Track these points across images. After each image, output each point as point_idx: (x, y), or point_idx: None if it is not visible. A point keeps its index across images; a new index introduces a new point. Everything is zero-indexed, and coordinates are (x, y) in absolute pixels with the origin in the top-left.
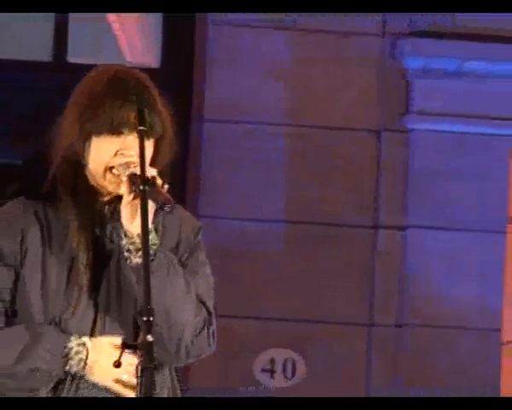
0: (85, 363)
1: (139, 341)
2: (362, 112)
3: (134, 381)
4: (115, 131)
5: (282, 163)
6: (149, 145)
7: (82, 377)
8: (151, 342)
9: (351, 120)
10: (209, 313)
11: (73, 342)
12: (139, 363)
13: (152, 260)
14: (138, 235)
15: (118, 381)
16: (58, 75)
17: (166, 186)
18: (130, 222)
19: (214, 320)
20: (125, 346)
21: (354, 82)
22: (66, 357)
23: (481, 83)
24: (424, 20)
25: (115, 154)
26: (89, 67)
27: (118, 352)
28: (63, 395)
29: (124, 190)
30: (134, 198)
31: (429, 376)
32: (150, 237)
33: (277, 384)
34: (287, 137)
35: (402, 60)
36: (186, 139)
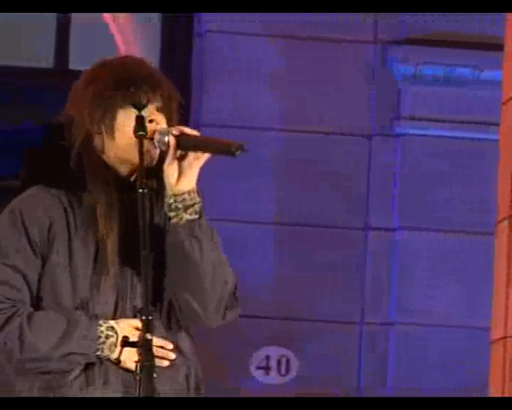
0: (115, 346)
1: (138, 338)
2: (353, 118)
3: (161, 362)
4: (140, 105)
5: (276, 168)
6: (164, 119)
7: (109, 359)
8: (150, 340)
9: (342, 126)
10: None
11: (103, 326)
12: (138, 360)
13: (200, 217)
14: (188, 192)
15: (138, 361)
16: (60, 82)
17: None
18: (177, 180)
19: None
20: (124, 344)
21: (346, 88)
22: (99, 341)
23: (469, 89)
24: (414, 28)
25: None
26: None
27: (137, 333)
28: (93, 379)
29: (170, 151)
30: (180, 156)
31: (419, 374)
32: (196, 195)
33: (272, 381)
34: (281, 143)
35: (392, 67)
36: None
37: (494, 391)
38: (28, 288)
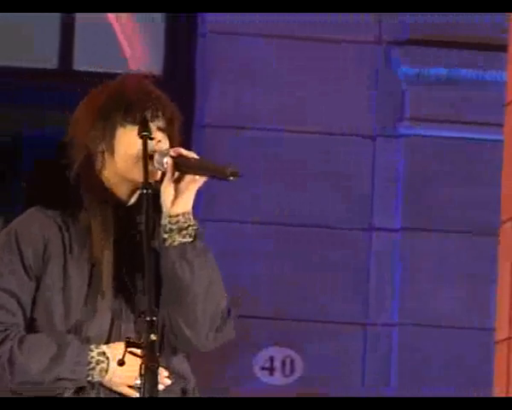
0: (106, 372)
1: (142, 340)
2: (357, 118)
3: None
4: (139, 120)
5: (280, 168)
6: (167, 140)
7: (101, 383)
8: (154, 341)
9: (346, 127)
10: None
11: (94, 352)
12: (142, 362)
13: (194, 240)
14: (182, 214)
15: (131, 386)
16: (64, 83)
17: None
18: (173, 202)
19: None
20: (128, 344)
21: (349, 89)
22: (89, 366)
23: (473, 90)
24: (418, 28)
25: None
26: (94, 75)
27: (132, 358)
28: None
29: (168, 172)
30: (177, 178)
31: (422, 375)
32: (191, 218)
33: (276, 382)
34: (284, 144)
35: (396, 67)
36: (187, 147)
37: (499, 391)
38: (22, 311)
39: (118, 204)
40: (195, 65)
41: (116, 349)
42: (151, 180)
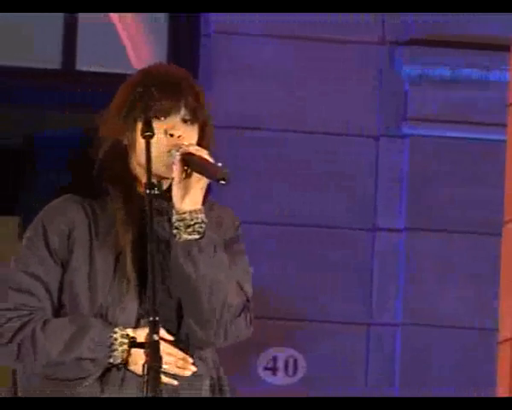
0: (129, 354)
1: (145, 339)
2: (360, 118)
3: (176, 370)
4: (161, 115)
5: (283, 168)
6: (194, 131)
7: (126, 367)
8: (157, 342)
9: (350, 127)
10: (247, 300)
11: (118, 333)
12: (145, 362)
13: (201, 237)
14: (189, 212)
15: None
16: (67, 82)
17: (219, 164)
18: (181, 199)
19: (252, 307)
20: (132, 345)
21: (353, 89)
22: (111, 348)
23: (476, 90)
24: (421, 28)
25: (164, 133)
26: (97, 75)
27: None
28: (109, 384)
29: (175, 169)
30: (186, 177)
31: (426, 375)
32: (200, 215)
33: (279, 382)
34: (288, 143)
35: (399, 68)
36: None
37: (502, 391)
38: (48, 296)
39: (142, 193)
40: (198, 65)
41: (141, 335)
42: (169, 176)
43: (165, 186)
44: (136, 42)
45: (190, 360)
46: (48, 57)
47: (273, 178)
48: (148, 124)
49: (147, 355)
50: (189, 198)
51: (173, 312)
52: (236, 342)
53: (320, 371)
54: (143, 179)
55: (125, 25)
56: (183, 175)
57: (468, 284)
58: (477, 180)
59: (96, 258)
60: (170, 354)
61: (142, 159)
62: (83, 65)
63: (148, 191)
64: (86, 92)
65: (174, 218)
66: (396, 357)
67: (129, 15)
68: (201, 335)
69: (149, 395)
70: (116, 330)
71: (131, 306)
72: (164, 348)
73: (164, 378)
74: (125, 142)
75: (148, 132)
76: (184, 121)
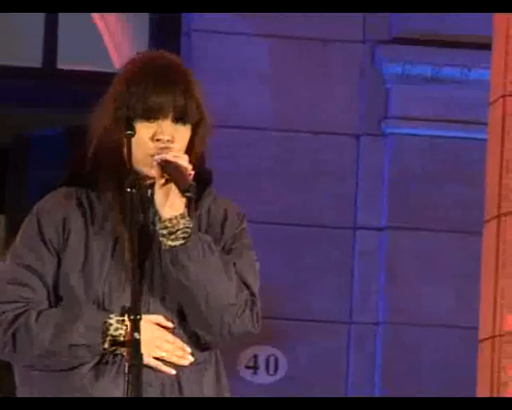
0: (124, 339)
1: (126, 338)
2: (342, 117)
3: (174, 358)
4: (150, 116)
5: (265, 167)
6: (186, 130)
7: (122, 353)
8: (138, 340)
9: (331, 125)
10: (252, 295)
11: (113, 319)
12: (126, 360)
13: (185, 243)
14: (170, 219)
15: (156, 358)
16: (48, 81)
17: (191, 173)
18: (163, 207)
19: (259, 302)
20: (114, 343)
21: (335, 88)
22: (105, 333)
23: (457, 88)
24: (402, 27)
25: (151, 138)
26: (78, 74)
27: (157, 329)
28: (106, 372)
29: (156, 175)
30: (165, 183)
31: (407, 374)
32: (182, 221)
33: (260, 380)
34: (270, 143)
35: (381, 66)
36: None
37: (482, 391)
38: (45, 288)
39: (138, 182)
40: None
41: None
42: (150, 175)
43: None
44: (117, 40)
45: (188, 350)
46: (29, 56)
47: (254, 177)
48: (129, 123)
49: (128, 354)
50: (170, 205)
51: (173, 305)
52: (244, 337)
53: (301, 370)
54: (139, 170)
55: (106, 23)
56: (163, 181)
57: (449, 283)
58: (458, 179)
59: (91, 247)
60: (168, 342)
61: (137, 162)
62: (64, 63)
63: (128, 190)
64: (67, 91)
65: (157, 225)
66: (377, 356)
67: (110, 14)
68: (206, 337)
69: (131, 393)
70: (112, 316)
71: (128, 294)
72: (163, 335)
73: (162, 367)
74: (114, 139)
75: (129, 132)
76: (174, 122)
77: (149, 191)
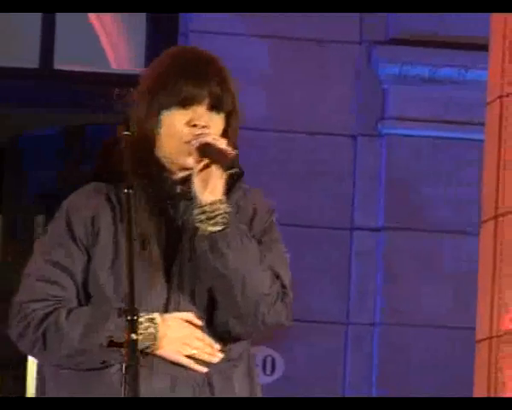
0: (155, 337)
1: (124, 339)
2: (338, 118)
3: (204, 356)
4: (185, 103)
5: (262, 168)
6: (220, 119)
7: (153, 352)
8: (135, 341)
9: (328, 126)
10: (284, 286)
11: (142, 318)
12: (123, 361)
13: (225, 228)
14: (210, 204)
15: (187, 356)
16: (45, 81)
17: (232, 152)
18: (202, 191)
19: (290, 294)
20: (110, 344)
21: (332, 88)
22: (136, 332)
23: (454, 89)
24: (399, 28)
25: (187, 124)
26: (75, 74)
27: (186, 327)
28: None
29: (194, 159)
30: (204, 168)
31: (405, 374)
32: (222, 206)
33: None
34: (267, 143)
35: (377, 67)
36: None
37: (479, 391)
38: (75, 286)
39: (167, 181)
40: None
41: (168, 319)
42: (183, 163)
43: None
44: (113, 41)
45: (218, 347)
46: (26, 56)
47: (251, 177)
48: (126, 123)
49: (125, 355)
50: (209, 189)
51: (204, 298)
52: (276, 328)
53: (298, 371)
54: (169, 166)
55: (103, 24)
56: (202, 166)
57: (446, 283)
58: (455, 180)
59: (120, 244)
60: (198, 339)
61: (167, 149)
62: (61, 64)
63: (125, 190)
64: (64, 91)
65: (195, 211)
66: (374, 357)
67: (107, 14)
68: (239, 328)
69: (129, 394)
70: (141, 314)
71: (159, 291)
72: (193, 333)
73: (193, 365)
74: (149, 131)
75: (126, 132)
76: (209, 110)
77: (178, 187)
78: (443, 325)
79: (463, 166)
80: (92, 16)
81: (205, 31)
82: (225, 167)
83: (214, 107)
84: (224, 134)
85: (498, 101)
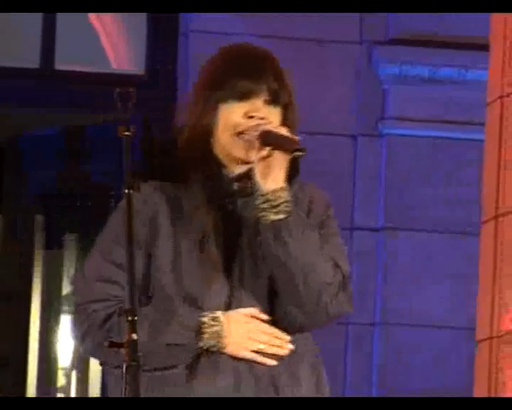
0: (220, 336)
1: (125, 339)
2: (338, 118)
3: (272, 349)
4: (242, 96)
5: None
6: (277, 113)
7: (219, 350)
8: (135, 341)
9: (328, 126)
10: (344, 276)
11: (207, 317)
12: (124, 361)
13: (288, 216)
14: (273, 191)
15: (255, 351)
16: (46, 81)
17: (296, 138)
18: (264, 179)
19: (350, 284)
20: (111, 344)
21: (332, 88)
22: (200, 331)
23: (454, 89)
24: (399, 28)
25: (244, 116)
26: (76, 74)
27: (250, 322)
28: (201, 370)
29: (256, 148)
30: (266, 156)
31: (404, 375)
32: (284, 194)
33: None
34: None
35: (377, 67)
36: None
37: (479, 391)
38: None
39: (225, 179)
40: (177, 64)
41: (232, 316)
42: (240, 157)
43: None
44: (114, 41)
45: (287, 338)
46: (27, 56)
47: None
48: (125, 122)
49: (126, 355)
50: (271, 178)
51: (265, 294)
52: (338, 318)
53: None
54: (226, 162)
55: (103, 24)
56: (263, 154)
57: (445, 284)
58: (455, 180)
59: (180, 243)
60: (265, 333)
61: (223, 142)
62: (62, 64)
63: (126, 191)
64: (65, 91)
65: (258, 200)
66: (374, 357)
67: (107, 14)
68: (301, 318)
69: (129, 394)
70: (205, 313)
71: (220, 289)
72: (259, 327)
73: (260, 359)
74: (207, 126)
75: (127, 132)
76: (266, 103)
77: (236, 184)
78: (443, 326)
79: (463, 167)
80: (92, 16)
81: (204, 31)
82: (291, 150)
83: (271, 101)
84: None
85: (499, 101)
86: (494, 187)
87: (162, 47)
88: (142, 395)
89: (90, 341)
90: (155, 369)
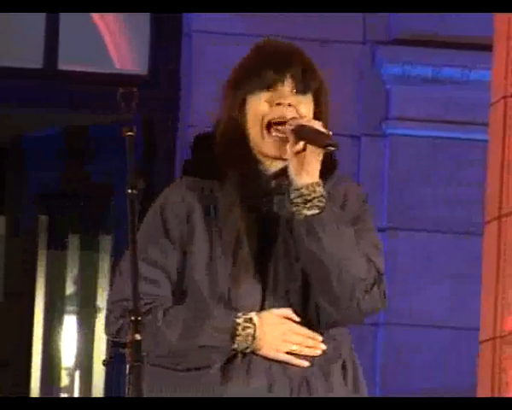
0: (254, 337)
1: (128, 339)
2: (341, 118)
3: (305, 350)
4: (269, 86)
5: None
6: (308, 100)
7: (253, 351)
8: (139, 341)
9: (331, 126)
10: (379, 273)
11: (241, 319)
12: (127, 361)
13: (321, 212)
14: (307, 186)
15: (288, 352)
16: (48, 82)
17: (330, 133)
18: (298, 173)
19: (384, 280)
20: (114, 345)
21: (334, 89)
22: (234, 333)
23: (458, 89)
24: (402, 28)
25: (271, 104)
26: (79, 75)
27: (283, 323)
28: (234, 371)
29: (290, 142)
30: (299, 151)
31: (407, 375)
32: (318, 189)
33: None
34: None
35: (381, 67)
36: (173, 145)
37: (483, 392)
38: (170, 284)
39: (261, 176)
40: (180, 64)
41: (266, 317)
42: (270, 153)
43: (273, 169)
44: (117, 41)
45: (319, 338)
46: (30, 56)
47: None
48: (128, 122)
49: (129, 355)
50: (306, 172)
51: (299, 294)
52: (371, 314)
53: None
54: (261, 158)
55: (107, 24)
56: (298, 148)
57: (448, 284)
58: (458, 180)
59: (215, 241)
60: (298, 335)
61: (254, 141)
62: (65, 64)
63: (129, 191)
64: (68, 91)
65: (292, 194)
66: (377, 356)
67: (110, 15)
68: (334, 313)
69: (132, 394)
70: (239, 314)
71: (254, 289)
72: (292, 328)
73: (294, 360)
74: (239, 120)
75: (130, 133)
76: (294, 92)
77: (273, 182)
78: (445, 326)
79: (464, 167)
80: (96, 16)
81: (208, 31)
82: (324, 144)
83: (299, 89)
84: (316, 115)
85: (502, 101)
86: (497, 187)
87: (165, 47)
88: (176, 393)
89: (123, 340)
90: (188, 369)
